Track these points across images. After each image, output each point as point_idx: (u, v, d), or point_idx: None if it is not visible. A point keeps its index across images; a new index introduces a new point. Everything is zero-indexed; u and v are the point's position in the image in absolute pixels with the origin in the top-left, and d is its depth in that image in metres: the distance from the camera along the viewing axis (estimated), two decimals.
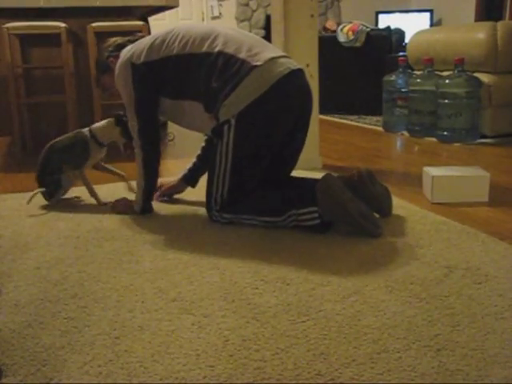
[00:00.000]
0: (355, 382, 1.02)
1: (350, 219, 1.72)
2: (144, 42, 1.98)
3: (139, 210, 2.07)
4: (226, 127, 1.82)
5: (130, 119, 2.00)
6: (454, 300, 1.32)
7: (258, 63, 1.80)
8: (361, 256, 1.62)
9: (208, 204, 1.94)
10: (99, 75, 2.20)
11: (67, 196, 2.29)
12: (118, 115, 2.19)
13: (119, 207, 2.12)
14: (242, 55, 1.83)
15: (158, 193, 2.26)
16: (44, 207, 2.24)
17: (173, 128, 4.28)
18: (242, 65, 1.81)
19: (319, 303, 1.32)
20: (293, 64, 1.87)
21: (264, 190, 1.91)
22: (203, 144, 2.26)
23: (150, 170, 2.02)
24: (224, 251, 1.69)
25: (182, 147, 3.67)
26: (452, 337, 1.16)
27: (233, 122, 1.81)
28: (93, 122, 3.52)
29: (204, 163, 2.22)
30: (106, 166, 2.35)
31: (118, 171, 2.37)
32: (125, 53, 2.00)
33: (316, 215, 1.73)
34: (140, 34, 2.21)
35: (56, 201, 2.24)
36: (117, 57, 2.04)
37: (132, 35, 2.15)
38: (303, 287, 1.41)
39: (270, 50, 1.88)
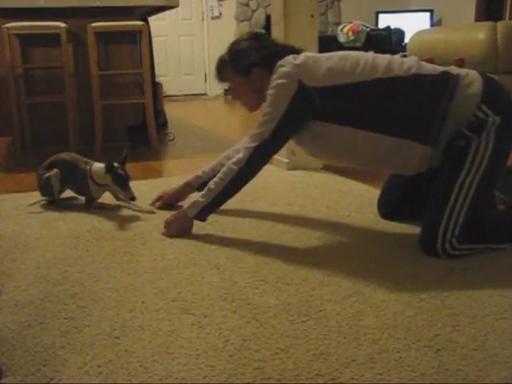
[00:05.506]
0: (355, 382, 1.02)
1: None
2: (316, 62, 1.70)
3: (194, 216, 1.82)
4: (486, 130, 1.56)
5: (262, 129, 1.72)
6: (453, 300, 1.32)
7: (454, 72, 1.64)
8: (361, 256, 1.62)
9: (433, 237, 1.58)
10: (229, 71, 1.86)
11: (65, 195, 2.29)
12: (109, 162, 2.07)
13: (172, 231, 1.86)
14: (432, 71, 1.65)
15: (159, 202, 2.18)
16: (44, 207, 2.24)
17: (173, 128, 4.29)
18: (444, 77, 1.62)
19: (319, 303, 1.32)
20: None
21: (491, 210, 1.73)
22: (233, 159, 1.82)
23: (239, 186, 1.79)
24: (224, 251, 1.69)
25: (182, 147, 3.66)
26: (452, 337, 1.16)
27: (496, 119, 1.55)
28: (93, 123, 3.55)
29: None
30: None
31: (136, 206, 2.21)
32: (292, 62, 1.70)
33: None
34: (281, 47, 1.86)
35: (54, 199, 2.23)
36: (265, 68, 1.78)
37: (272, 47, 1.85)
38: (303, 287, 1.41)
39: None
